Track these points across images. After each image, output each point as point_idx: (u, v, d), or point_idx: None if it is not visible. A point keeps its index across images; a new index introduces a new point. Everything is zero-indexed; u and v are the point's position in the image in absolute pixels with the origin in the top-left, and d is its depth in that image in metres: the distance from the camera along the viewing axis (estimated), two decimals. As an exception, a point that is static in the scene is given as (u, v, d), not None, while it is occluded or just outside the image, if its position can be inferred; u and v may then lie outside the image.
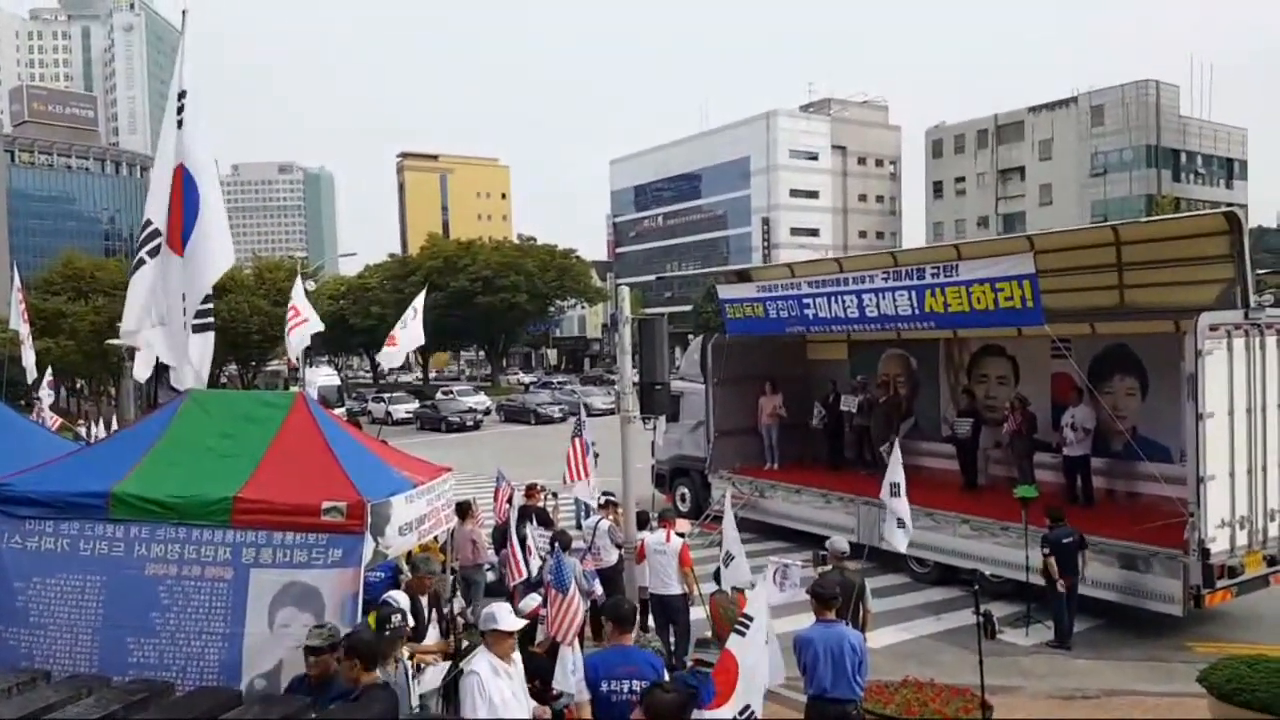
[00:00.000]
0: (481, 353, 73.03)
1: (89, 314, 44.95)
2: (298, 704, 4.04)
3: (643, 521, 9.81)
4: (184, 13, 7.96)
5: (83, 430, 21.54)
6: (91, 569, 6.16)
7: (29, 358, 14.22)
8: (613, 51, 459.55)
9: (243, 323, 50.11)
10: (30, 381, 14.85)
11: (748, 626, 4.54)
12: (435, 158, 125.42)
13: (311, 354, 45.30)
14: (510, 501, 10.74)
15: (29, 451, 7.09)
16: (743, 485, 14.94)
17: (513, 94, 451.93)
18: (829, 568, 8.19)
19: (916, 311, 11.67)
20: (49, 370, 21.73)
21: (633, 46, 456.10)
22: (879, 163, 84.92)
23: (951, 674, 8.48)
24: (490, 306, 57.38)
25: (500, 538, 10.68)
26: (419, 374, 72.66)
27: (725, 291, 15.78)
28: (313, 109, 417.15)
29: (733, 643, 4.58)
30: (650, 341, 9.90)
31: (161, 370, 11.04)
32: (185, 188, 7.68)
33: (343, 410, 37.43)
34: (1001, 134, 69.20)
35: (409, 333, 12.13)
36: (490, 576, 10.19)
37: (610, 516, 10.26)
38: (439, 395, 42.20)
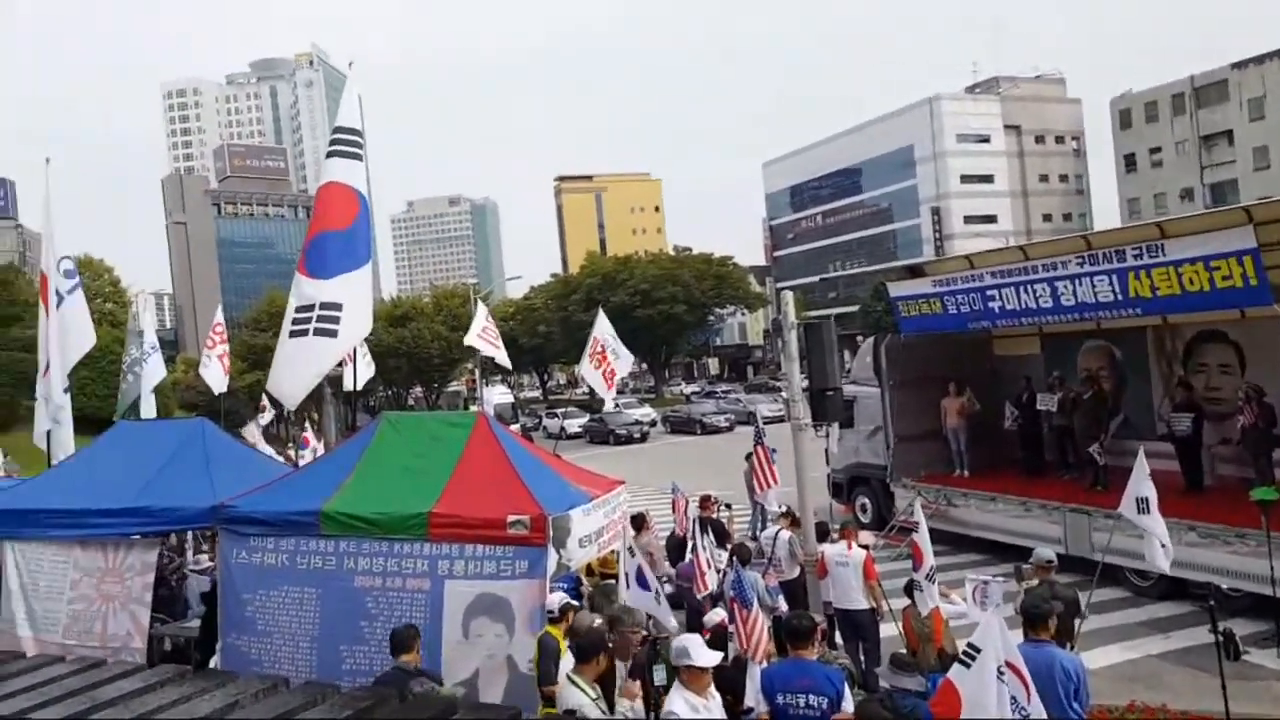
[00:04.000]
0: (643, 365, 74.04)
1: (293, 348, 49.23)
2: (508, 712, 4.11)
3: (822, 533, 9.43)
4: (350, 64, 8.80)
5: (292, 453, 23.38)
6: (308, 581, 6.64)
7: (212, 375, 15.77)
8: (756, 53, 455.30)
9: (424, 348, 53.50)
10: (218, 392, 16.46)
11: (974, 657, 4.18)
12: (589, 178, 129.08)
13: (487, 374, 47.54)
14: (687, 513, 10.70)
15: (248, 474, 7.74)
16: (929, 494, 14.15)
17: (660, 105, 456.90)
18: (1035, 582, 7.54)
19: (1119, 298, 10.65)
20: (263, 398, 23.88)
21: (777, 46, 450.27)
22: (1059, 140, 78.94)
23: (1186, 699, 7.63)
24: (649, 319, 58.10)
25: (676, 549, 10.65)
26: (586, 388, 74.68)
27: (896, 289, 15.03)
28: (473, 142, 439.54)
29: (955, 673, 4.26)
30: (818, 346, 9.56)
31: (352, 395, 11.86)
32: (360, 212, 8.31)
33: (517, 426, 38.94)
34: (1201, 96, 62.55)
35: (621, 363, 12.66)
36: (668, 589, 10.14)
37: (790, 528, 9.96)
38: (606, 409, 42.89)
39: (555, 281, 72.46)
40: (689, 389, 71.27)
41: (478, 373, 47.71)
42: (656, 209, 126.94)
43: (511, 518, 6.28)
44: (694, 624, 8.41)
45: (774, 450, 10.86)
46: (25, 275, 66.15)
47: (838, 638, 8.87)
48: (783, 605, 8.46)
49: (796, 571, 9.60)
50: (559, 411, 47.96)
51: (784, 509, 10.55)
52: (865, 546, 9.07)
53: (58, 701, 3.83)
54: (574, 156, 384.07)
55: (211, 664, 6.85)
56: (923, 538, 7.66)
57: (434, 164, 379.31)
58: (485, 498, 6.54)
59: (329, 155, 8.60)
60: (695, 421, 41.15)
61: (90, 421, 15.53)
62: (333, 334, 8.14)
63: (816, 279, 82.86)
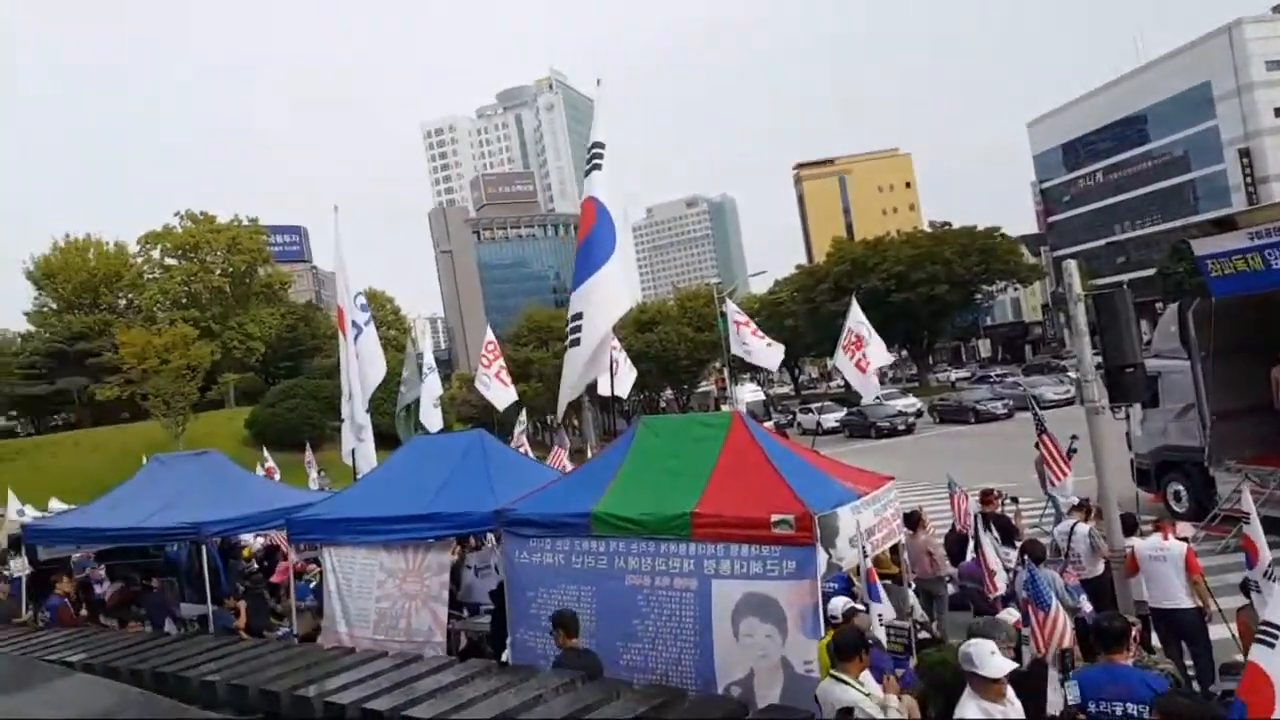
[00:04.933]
0: (904, 352, 70.59)
1: (550, 358, 53.03)
2: (801, 714, 4.02)
3: (1129, 526, 8.48)
4: (598, 81, 9.19)
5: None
6: (583, 580, 6.94)
7: (494, 394, 16.85)
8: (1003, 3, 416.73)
9: (672, 351, 54.93)
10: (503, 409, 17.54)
11: (1277, 635, 3.76)
12: (831, 161, 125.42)
13: (736, 372, 47.83)
14: (967, 509, 10.01)
15: (523, 479, 8.25)
16: (1260, 477, 12.13)
17: (902, 75, 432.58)
18: None
19: None
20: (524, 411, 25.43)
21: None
22: None
23: None
24: (907, 303, 55.03)
25: (956, 548, 9.96)
26: (841, 381, 72.71)
27: (1203, 246, 13.07)
28: (706, 140, 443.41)
29: (1257, 653, 3.80)
30: (1112, 318, 8.51)
31: (610, 400, 12.31)
32: (597, 217, 8.59)
33: (770, 423, 38.72)
34: None
35: (874, 350, 12.30)
36: (951, 589, 9.48)
37: (1089, 520, 8.93)
38: (865, 401, 41.33)
39: (800, 272, 70.94)
40: (956, 374, 66.81)
41: (726, 372, 48.14)
42: (908, 185, 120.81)
43: (775, 517, 6.16)
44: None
45: (1074, 437, 9.83)
46: (322, 311, 77.17)
47: (1154, 640, 7.81)
48: (1086, 606, 7.84)
49: (1100, 568, 8.76)
50: (814, 406, 46.99)
51: (1078, 500, 9.54)
52: (1184, 539, 7.93)
53: (387, 692, 4.25)
54: (813, 141, 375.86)
55: (503, 658, 7.34)
56: (1255, 529, 6.72)
57: (669, 167, 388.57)
58: (747, 497, 6.48)
59: (585, 174, 9.04)
60: (968, 410, 38.05)
61: (384, 437, 17.48)
62: (578, 343, 8.59)
63: (1101, 243, 74.56)
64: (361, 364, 12.77)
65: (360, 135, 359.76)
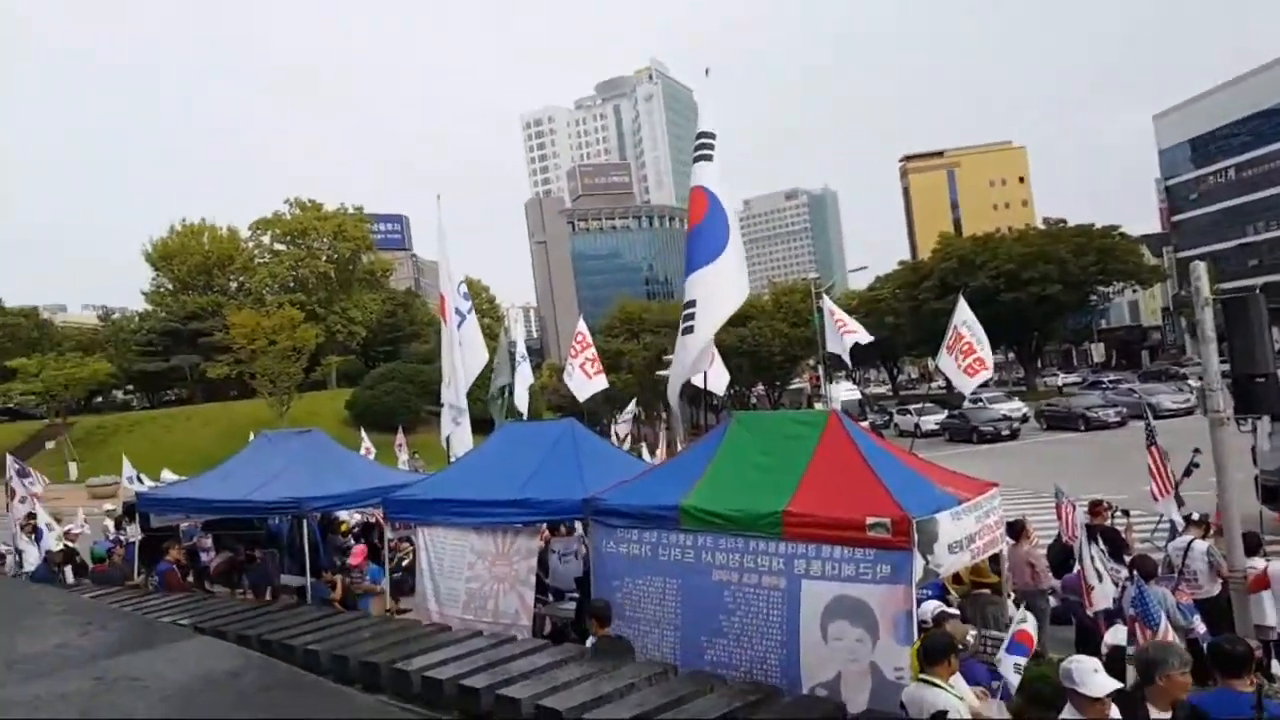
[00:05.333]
0: (1010, 354, 67.72)
1: (640, 351, 53.12)
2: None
3: (1252, 546, 7.98)
4: (706, 71, 9.20)
5: (645, 452, 24.52)
6: (670, 573, 6.94)
7: (577, 384, 16.87)
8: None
9: (765, 346, 54.23)
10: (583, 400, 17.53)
11: None
12: (940, 154, 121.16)
13: (831, 370, 46.84)
14: (1074, 520, 9.56)
15: (612, 469, 8.30)
16: None
17: (1019, 65, 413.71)
18: None
19: None
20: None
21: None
22: None
23: None
24: (1017, 303, 52.66)
25: (1060, 560, 9.53)
26: (942, 382, 70.37)
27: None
28: (809, 131, 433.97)
29: None
30: (1243, 324, 8.03)
31: (698, 394, 12.26)
32: (710, 209, 8.52)
33: (866, 423, 37.72)
34: None
35: (985, 350, 11.99)
36: (1053, 602, 9.08)
37: (1207, 537, 8.41)
38: (967, 403, 39.78)
39: (904, 269, 68.71)
40: (1065, 379, 63.66)
41: (821, 369, 47.24)
42: (1021, 180, 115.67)
43: (871, 519, 6.02)
44: (1082, 642, 7.71)
45: (1196, 450, 9.30)
46: (420, 299, 79.08)
47: (1275, 668, 7.30)
48: (1200, 627, 7.41)
49: (1217, 588, 8.27)
50: (912, 407, 45.60)
51: (1195, 516, 9.00)
52: (1320, 563, 7.39)
53: (482, 670, 4.35)
54: (921, 134, 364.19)
55: (587, 644, 7.42)
56: None
57: (769, 158, 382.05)
58: (841, 498, 6.36)
59: (694, 160, 9.03)
60: (1077, 416, 36.05)
61: (480, 422, 17.81)
62: (691, 330, 8.57)
63: (1232, 244, 69.91)
64: (464, 350, 13.06)
65: (461, 126, 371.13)
